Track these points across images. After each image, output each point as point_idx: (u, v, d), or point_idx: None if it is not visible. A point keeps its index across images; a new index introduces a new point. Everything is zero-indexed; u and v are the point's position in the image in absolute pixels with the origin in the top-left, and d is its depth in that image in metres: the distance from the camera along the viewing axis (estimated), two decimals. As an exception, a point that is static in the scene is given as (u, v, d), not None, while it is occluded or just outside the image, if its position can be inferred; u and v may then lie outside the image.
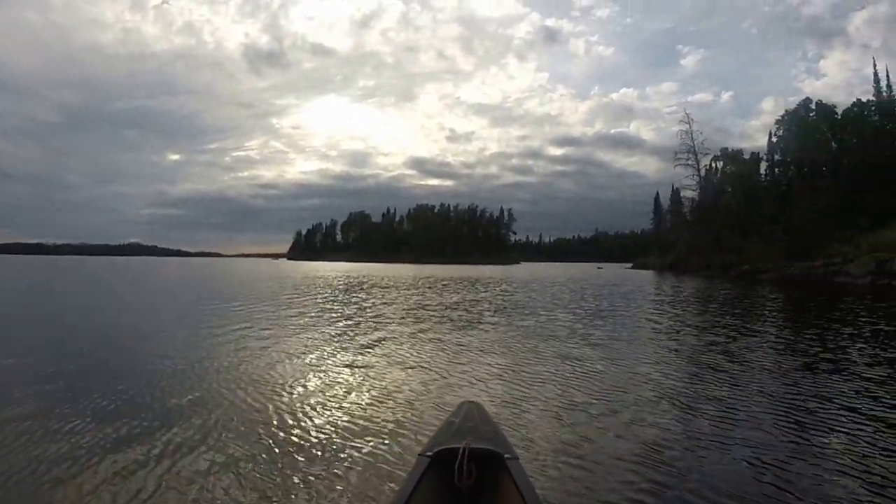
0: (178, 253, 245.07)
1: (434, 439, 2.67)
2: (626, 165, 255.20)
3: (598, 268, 75.74)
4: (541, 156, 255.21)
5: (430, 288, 23.91)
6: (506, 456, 2.38)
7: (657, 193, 75.89)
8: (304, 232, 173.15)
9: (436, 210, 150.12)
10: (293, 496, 3.15)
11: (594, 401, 5.02)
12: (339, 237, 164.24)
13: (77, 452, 3.71)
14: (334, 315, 12.57)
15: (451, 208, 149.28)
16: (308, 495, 3.16)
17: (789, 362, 6.78)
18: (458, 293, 20.71)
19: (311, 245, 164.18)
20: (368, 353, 7.61)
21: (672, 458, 3.60)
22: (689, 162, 56.10)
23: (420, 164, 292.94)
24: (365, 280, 31.12)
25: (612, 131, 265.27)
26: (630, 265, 74.62)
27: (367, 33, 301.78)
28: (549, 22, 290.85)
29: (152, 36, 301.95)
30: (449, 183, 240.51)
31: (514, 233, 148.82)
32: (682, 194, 61.82)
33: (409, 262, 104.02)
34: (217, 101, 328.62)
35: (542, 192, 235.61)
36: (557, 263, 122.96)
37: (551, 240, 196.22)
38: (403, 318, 11.91)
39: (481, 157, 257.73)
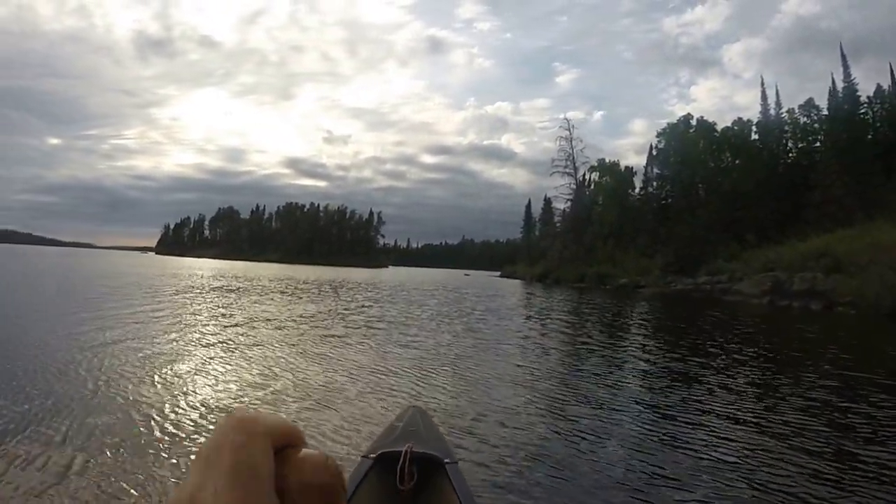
0: (53, 242, 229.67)
1: (377, 442, 2.66)
2: (496, 176, 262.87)
3: (466, 275, 73.53)
4: (414, 162, 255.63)
5: (283, 292, 20.31)
6: (446, 461, 2.37)
7: (529, 202, 73.91)
8: (172, 226, 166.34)
9: (306, 209, 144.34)
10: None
11: (516, 414, 5.03)
12: (206, 233, 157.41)
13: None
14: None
15: (321, 208, 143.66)
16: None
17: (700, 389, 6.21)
18: (313, 302, 16.50)
19: (178, 239, 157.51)
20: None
21: (576, 458, 3.86)
22: (567, 170, 53.54)
23: (295, 164, 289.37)
24: (217, 281, 26.46)
25: (485, 142, 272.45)
26: (498, 273, 72.59)
27: (253, 29, 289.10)
28: (432, 31, 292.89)
29: (45, 15, 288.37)
30: (322, 184, 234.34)
31: (383, 236, 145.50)
32: (553, 205, 60.04)
33: (276, 262, 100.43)
34: (101, 87, 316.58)
35: (413, 198, 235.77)
36: (424, 269, 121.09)
37: (419, 245, 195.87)
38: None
39: (356, 160, 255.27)
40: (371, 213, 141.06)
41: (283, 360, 7.02)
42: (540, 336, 11.13)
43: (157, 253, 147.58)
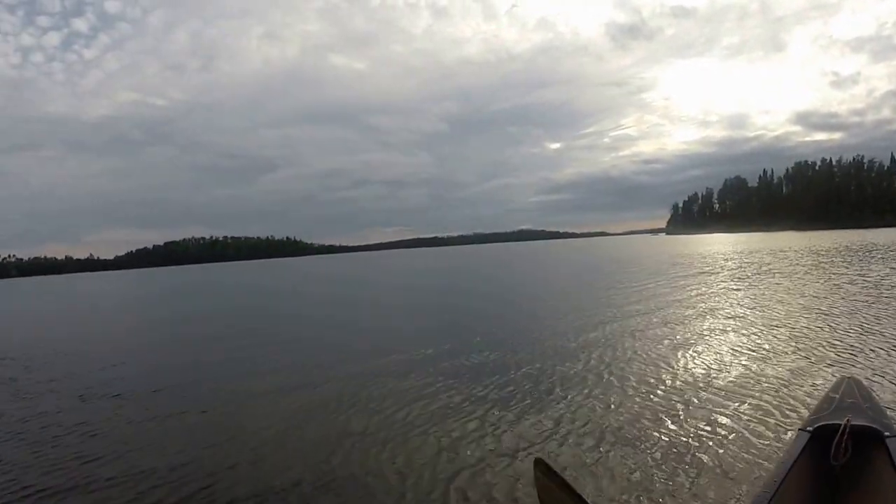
0: (566, 235, 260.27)
1: (813, 414, 2.71)
2: None
3: None
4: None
5: (767, 272, 19.67)
6: (886, 434, 2.30)
7: None
8: (680, 204, 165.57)
9: (817, 167, 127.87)
10: (667, 460, 3.64)
11: None
12: (716, 207, 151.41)
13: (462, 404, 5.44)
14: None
15: (834, 163, 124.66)
16: (682, 460, 3.64)
17: None
18: (812, 282, 15.17)
19: (688, 217, 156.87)
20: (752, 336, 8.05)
21: None
22: None
23: (804, 118, 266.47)
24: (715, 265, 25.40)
25: None
26: None
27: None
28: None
29: (511, 39, 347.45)
30: (837, 135, 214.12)
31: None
32: None
33: (789, 230, 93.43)
34: (587, 85, 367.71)
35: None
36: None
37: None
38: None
39: (870, 99, 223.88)
40: (892, 160, 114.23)
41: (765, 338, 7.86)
42: None
43: (667, 234, 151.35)
